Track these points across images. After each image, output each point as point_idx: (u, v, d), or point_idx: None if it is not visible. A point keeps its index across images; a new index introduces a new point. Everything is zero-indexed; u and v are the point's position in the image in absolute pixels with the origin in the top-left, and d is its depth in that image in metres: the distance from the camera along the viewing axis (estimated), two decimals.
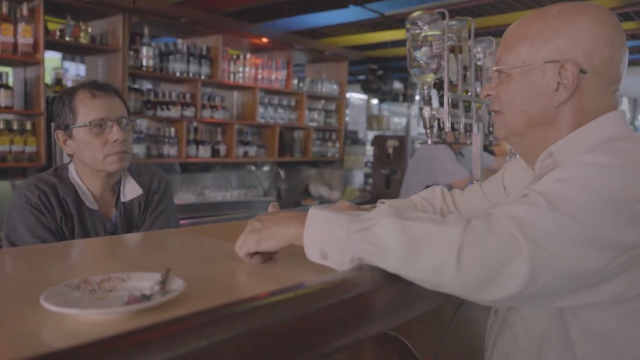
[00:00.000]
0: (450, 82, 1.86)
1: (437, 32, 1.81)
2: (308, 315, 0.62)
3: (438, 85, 1.88)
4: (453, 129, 1.92)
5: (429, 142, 1.89)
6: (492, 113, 1.00)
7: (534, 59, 0.90)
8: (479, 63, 2.14)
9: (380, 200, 1.33)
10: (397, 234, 0.73)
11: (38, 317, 0.64)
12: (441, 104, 1.87)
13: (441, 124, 1.86)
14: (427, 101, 1.85)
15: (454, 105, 1.90)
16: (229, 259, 0.93)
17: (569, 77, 0.87)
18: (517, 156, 1.19)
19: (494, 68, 0.96)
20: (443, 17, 1.77)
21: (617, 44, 0.88)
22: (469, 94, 1.98)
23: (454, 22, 1.95)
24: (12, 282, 0.87)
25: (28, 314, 0.66)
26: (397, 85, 6.36)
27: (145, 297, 0.67)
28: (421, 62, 1.83)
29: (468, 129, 2.03)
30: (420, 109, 1.88)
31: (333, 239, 0.78)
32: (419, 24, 1.83)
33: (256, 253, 0.89)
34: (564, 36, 0.87)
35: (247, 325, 0.56)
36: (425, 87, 1.84)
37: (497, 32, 4.46)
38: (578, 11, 0.89)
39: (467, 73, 1.99)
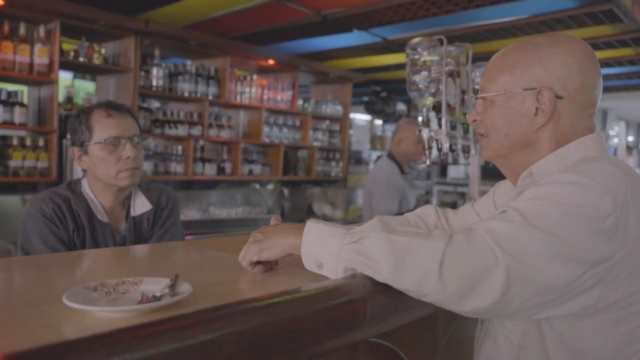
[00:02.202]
0: (449, 105, 1.93)
1: (436, 58, 1.89)
2: (302, 316, 0.68)
3: (437, 108, 1.95)
4: (451, 150, 1.99)
5: (428, 162, 1.96)
6: (479, 137, 1.08)
7: (514, 87, 0.98)
8: (477, 87, 2.21)
9: (376, 216, 1.40)
10: (385, 246, 0.79)
11: (58, 315, 0.71)
12: (440, 126, 1.94)
13: (439, 145, 1.93)
14: (426, 123, 1.93)
15: (452, 127, 1.97)
16: (233, 268, 1.00)
17: (546, 103, 0.95)
18: None
19: (479, 96, 1.04)
20: (441, 43, 1.86)
21: (589, 71, 0.96)
22: (467, 116, 2.05)
23: (452, 48, 2.03)
24: (32, 287, 0.94)
25: (49, 313, 0.73)
26: (401, 106, 6.47)
27: (156, 298, 0.74)
28: (420, 85, 1.91)
29: (466, 150, 2.10)
30: (419, 130, 1.95)
31: (327, 250, 0.86)
32: (419, 49, 1.92)
33: (258, 262, 0.97)
34: (540, 66, 0.96)
35: (247, 323, 0.63)
36: (424, 109, 1.92)
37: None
38: (553, 43, 0.97)
39: (465, 97, 2.06)
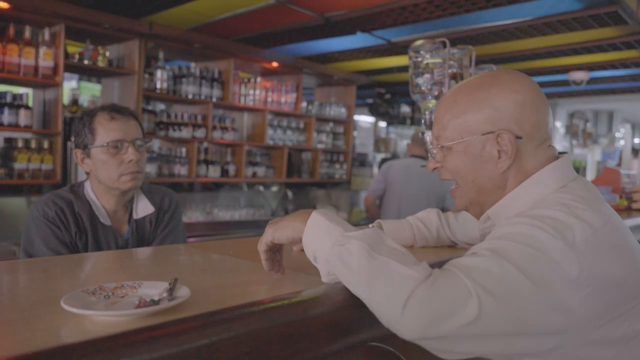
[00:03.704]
0: None
1: (439, 60, 1.89)
2: (299, 321, 0.68)
3: None
4: None
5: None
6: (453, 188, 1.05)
7: (471, 133, 0.95)
8: None
9: (377, 220, 1.40)
10: (365, 259, 0.78)
11: (57, 319, 0.71)
12: None
13: None
14: (429, 126, 1.92)
15: None
16: (233, 272, 1.00)
17: (507, 145, 0.92)
18: None
19: (436, 145, 1.01)
20: (444, 45, 1.85)
21: (540, 106, 0.95)
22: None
23: (455, 51, 2.03)
24: (33, 289, 0.94)
25: (49, 316, 0.73)
26: (405, 108, 6.46)
27: (154, 302, 0.74)
28: (423, 88, 1.91)
29: None
30: (422, 133, 1.95)
31: (320, 247, 0.86)
32: (421, 52, 1.91)
33: (269, 258, 0.97)
34: (492, 108, 0.93)
35: (243, 328, 0.63)
36: (427, 112, 1.92)
37: (500, 60, 4.56)
38: (498, 83, 0.95)
39: None
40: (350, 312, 0.77)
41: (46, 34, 3.18)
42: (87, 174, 1.61)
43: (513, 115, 0.93)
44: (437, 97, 1.88)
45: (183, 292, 0.79)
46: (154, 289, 0.81)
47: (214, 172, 4.27)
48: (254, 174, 4.63)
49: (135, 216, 1.63)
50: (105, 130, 1.52)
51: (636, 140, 11.83)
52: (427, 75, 1.91)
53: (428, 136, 1.94)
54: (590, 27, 3.27)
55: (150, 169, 3.79)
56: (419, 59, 1.93)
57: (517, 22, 3.27)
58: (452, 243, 1.40)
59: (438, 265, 0.81)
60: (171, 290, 0.79)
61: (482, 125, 0.94)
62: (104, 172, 1.53)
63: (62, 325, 0.70)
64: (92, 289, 0.79)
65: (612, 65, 4.45)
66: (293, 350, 0.67)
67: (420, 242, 1.38)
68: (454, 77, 1.97)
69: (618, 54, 4.02)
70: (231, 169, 4.42)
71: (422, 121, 1.92)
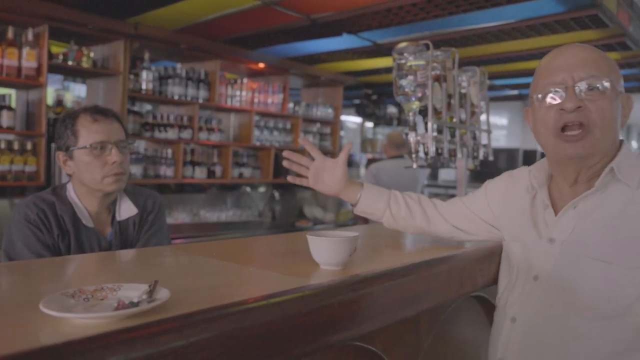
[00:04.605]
0: (435, 110, 1.95)
1: (422, 63, 1.91)
2: (276, 321, 0.69)
3: (423, 112, 1.97)
4: (438, 153, 2.00)
5: (414, 166, 1.97)
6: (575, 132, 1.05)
7: (618, 88, 1.04)
8: (464, 91, 2.23)
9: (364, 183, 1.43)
10: None
11: (37, 322, 0.72)
12: (427, 129, 1.95)
13: (426, 149, 1.95)
14: (413, 127, 1.94)
15: (439, 131, 1.99)
16: (214, 274, 1.01)
17: (627, 109, 1.05)
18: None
19: (587, 83, 1.02)
20: (428, 48, 1.87)
21: None
22: (454, 120, 2.07)
23: (438, 53, 2.05)
24: (13, 292, 0.94)
25: (28, 319, 0.73)
26: (392, 109, 6.50)
27: (133, 304, 0.75)
28: (407, 90, 1.93)
29: (453, 154, 2.11)
30: (406, 134, 1.96)
31: None
32: (405, 54, 1.93)
33: None
34: (617, 72, 1.05)
35: (220, 329, 0.64)
36: (410, 113, 1.94)
37: (484, 62, 4.61)
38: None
39: (452, 101, 2.08)
40: (329, 312, 0.79)
41: (29, 34, 3.15)
42: (70, 176, 1.61)
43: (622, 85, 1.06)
44: (420, 99, 1.90)
45: (162, 294, 0.79)
46: (134, 291, 0.81)
47: (200, 174, 4.26)
48: (241, 175, 4.62)
49: (118, 218, 1.63)
50: (88, 132, 1.52)
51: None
52: (410, 77, 1.93)
53: (412, 137, 1.96)
54: (572, 30, 3.33)
55: (136, 170, 3.77)
56: (403, 61, 1.95)
57: (501, 25, 3.31)
58: (421, 230, 1.41)
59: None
60: (151, 293, 0.80)
61: (620, 85, 1.05)
62: (87, 174, 1.53)
63: (41, 328, 0.70)
64: (72, 292, 0.80)
65: None
66: (270, 350, 0.68)
67: (387, 221, 1.40)
68: (437, 79, 2.00)
69: None
70: (218, 170, 4.41)
71: (407, 122, 1.94)
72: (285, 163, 1.42)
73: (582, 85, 1.01)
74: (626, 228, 0.98)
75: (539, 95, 1.07)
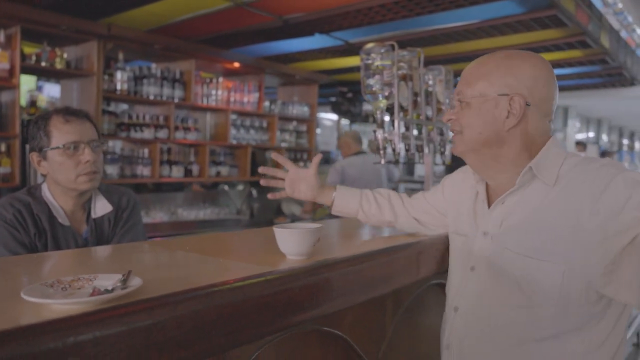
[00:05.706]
0: (402, 108, 2.04)
1: (388, 62, 1.99)
2: (237, 303, 0.77)
3: (390, 110, 2.05)
4: (406, 149, 2.09)
5: (382, 162, 2.06)
6: (452, 134, 1.23)
7: (489, 93, 1.13)
8: (430, 89, 2.32)
9: (338, 185, 1.58)
10: None
11: (19, 309, 0.78)
12: (394, 127, 2.04)
13: (393, 146, 2.04)
14: (380, 125, 2.03)
15: (406, 128, 2.07)
16: (186, 266, 1.08)
17: (517, 108, 1.11)
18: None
19: (457, 98, 1.19)
20: (393, 48, 1.96)
21: (551, 84, 1.14)
22: (421, 117, 2.16)
23: (405, 53, 2.13)
24: None
25: (9, 307, 0.79)
26: (367, 106, 6.61)
27: (107, 291, 0.81)
28: (374, 89, 2.01)
29: (420, 150, 2.20)
30: (374, 131, 2.05)
31: None
32: (372, 54, 2.02)
33: None
34: (512, 75, 1.12)
35: (186, 309, 0.71)
36: (378, 112, 2.02)
37: (451, 60, 4.74)
38: (522, 57, 1.14)
39: (418, 99, 2.16)
40: (289, 294, 0.87)
41: (1, 35, 3.14)
42: (44, 176, 1.65)
43: (528, 85, 1.11)
44: (387, 98, 1.98)
45: (135, 282, 0.86)
46: (109, 281, 0.88)
47: (177, 173, 4.29)
48: (218, 174, 4.67)
49: (93, 215, 1.68)
50: (61, 133, 1.56)
51: (591, 134, 12.39)
52: (377, 77, 2.00)
53: (380, 135, 2.05)
54: (533, 29, 3.47)
55: (112, 170, 3.79)
56: (370, 61, 2.03)
57: (466, 25, 3.44)
58: (390, 224, 1.53)
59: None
60: (125, 281, 0.86)
61: (500, 88, 1.12)
62: (61, 174, 1.58)
63: (23, 314, 0.76)
64: (50, 282, 0.86)
65: (557, 64, 4.70)
66: (233, 328, 0.75)
67: (361, 218, 1.53)
68: (404, 78, 2.08)
69: (562, 54, 4.25)
70: (195, 168, 4.45)
71: (375, 120, 2.02)
72: (262, 181, 1.68)
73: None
74: (541, 223, 1.08)
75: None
